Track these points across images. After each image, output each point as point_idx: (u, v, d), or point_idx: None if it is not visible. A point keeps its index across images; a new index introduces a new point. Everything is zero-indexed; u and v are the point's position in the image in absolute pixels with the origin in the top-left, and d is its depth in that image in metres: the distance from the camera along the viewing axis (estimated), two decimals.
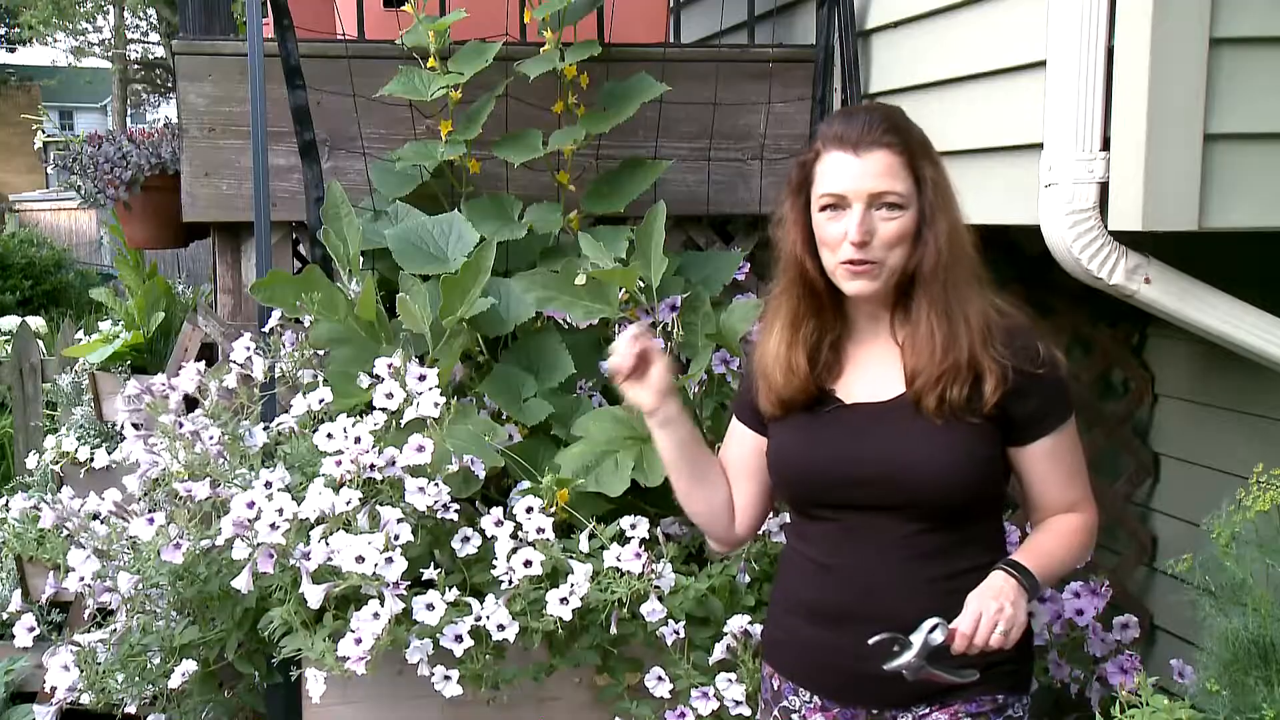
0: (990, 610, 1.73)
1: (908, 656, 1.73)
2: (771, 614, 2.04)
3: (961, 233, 1.83)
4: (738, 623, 2.37)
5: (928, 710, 1.85)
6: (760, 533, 2.49)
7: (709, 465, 2.03)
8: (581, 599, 2.33)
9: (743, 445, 2.04)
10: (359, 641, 2.22)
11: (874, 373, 1.88)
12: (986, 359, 1.80)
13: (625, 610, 2.38)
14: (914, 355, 1.82)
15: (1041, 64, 2.35)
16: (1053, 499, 1.91)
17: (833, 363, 1.91)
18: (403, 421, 2.51)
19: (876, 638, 1.74)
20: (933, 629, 1.73)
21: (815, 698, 1.92)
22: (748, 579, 2.51)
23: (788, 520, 2.25)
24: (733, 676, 2.37)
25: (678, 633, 2.40)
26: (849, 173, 1.79)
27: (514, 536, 2.38)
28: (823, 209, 1.82)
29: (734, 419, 2.07)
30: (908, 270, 1.82)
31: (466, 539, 2.44)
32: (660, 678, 2.42)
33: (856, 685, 1.87)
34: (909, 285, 1.84)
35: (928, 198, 1.81)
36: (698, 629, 2.46)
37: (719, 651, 2.39)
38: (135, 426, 2.75)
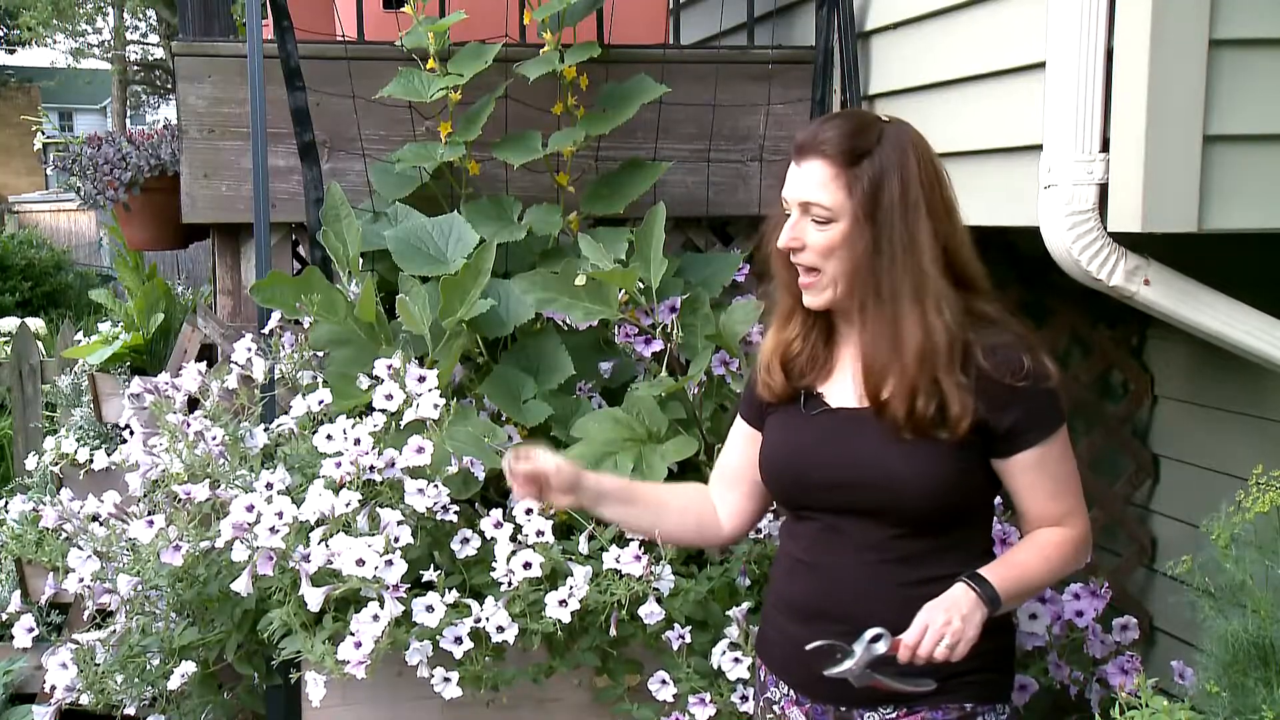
0: (937, 623, 1.73)
1: (847, 665, 1.74)
2: (764, 607, 2.07)
3: (913, 249, 1.78)
4: (739, 611, 2.37)
5: (894, 714, 1.85)
6: (761, 536, 2.50)
7: (659, 497, 2.11)
8: (581, 601, 2.33)
9: (742, 446, 2.06)
10: (359, 645, 2.22)
11: (857, 378, 1.89)
12: (949, 383, 1.77)
13: (624, 612, 2.38)
14: (860, 370, 1.85)
15: (1041, 65, 2.35)
16: (1039, 511, 1.88)
17: (825, 361, 1.92)
18: (402, 423, 2.51)
19: (814, 644, 1.76)
20: (875, 639, 1.74)
21: (791, 691, 1.94)
22: (748, 581, 2.50)
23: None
24: (739, 655, 2.37)
25: (683, 637, 2.40)
26: (790, 179, 1.83)
27: (513, 539, 2.38)
28: (785, 212, 1.85)
29: (737, 419, 2.09)
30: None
31: (466, 540, 2.44)
32: (664, 681, 2.42)
33: (825, 682, 1.87)
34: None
35: (856, 213, 1.78)
36: (697, 632, 2.45)
37: (721, 647, 2.39)
38: (141, 426, 2.75)
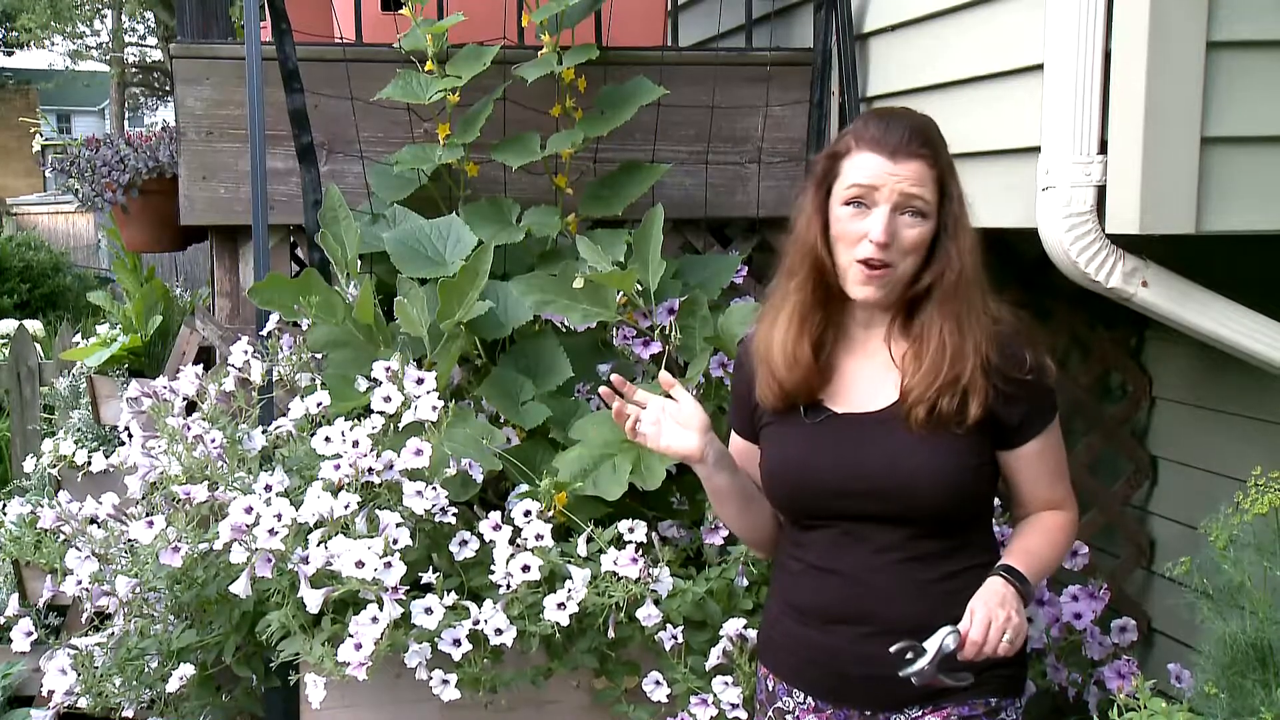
0: (999, 619, 1.76)
1: (922, 663, 1.74)
2: (767, 615, 2.05)
3: (978, 249, 1.86)
4: (734, 626, 2.37)
5: (920, 713, 1.86)
6: None
7: (754, 489, 2.03)
8: (579, 604, 2.33)
9: (749, 458, 2.04)
10: (359, 647, 2.22)
11: (865, 383, 1.89)
12: (980, 376, 1.82)
13: (623, 614, 2.38)
14: (917, 367, 1.83)
15: (1039, 67, 2.35)
16: (1040, 497, 1.95)
17: (825, 369, 1.91)
18: (401, 425, 2.51)
19: (897, 646, 1.75)
20: (947, 636, 1.75)
21: (809, 699, 1.94)
22: (745, 582, 2.50)
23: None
24: (729, 679, 2.37)
25: (676, 637, 2.39)
26: (881, 173, 1.80)
27: (512, 541, 2.38)
28: (847, 203, 1.83)
29: (733, 437, 2.07)
30: (918, 283, 1.84)
31: (464, 543, 2.44)
32: (658, 682, 2.42)
33: (849, 687, 1.89)
34: (916, 298, 1.85)
35: (952, 212, 1.83)
36: (695, 633, 2.45)
37: (715, 656, 2.39)
38: (141, 429, 2.75)
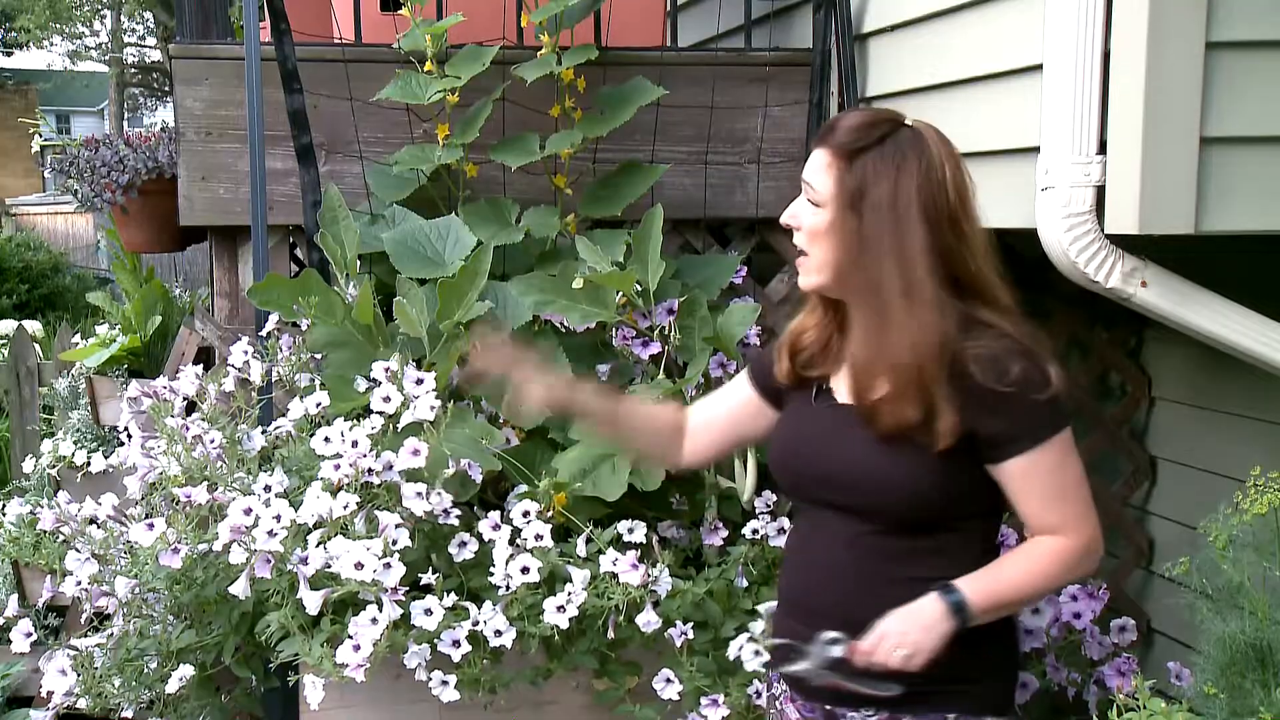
0: (893, 631, 1.74)
1: (802, 664, 1.78)
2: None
3: (901, 252, 1.76)
4: (769, 606, 2.38)
5: (876, 716, 1.83)
6: (758, 537, 2.50)
7: (637, 424, 2.15)
8: (579, 606, 2.33)
9: (733, 400, 2.10)
10: (358, 649, 2.22)
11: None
12: (938, 393, 1.75)
13: (622, 616, 2.38)
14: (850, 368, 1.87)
15: (1038, 67, 2.35)
16: (1031, 519, 1.84)
17: (839, 353, 1.92)
18: (400, 425, 2.51)
19: (774, 642, 1.77)
20: (831, 642, 1.76)
21: (787, 688, 1.95)
22: (745, 582, 2.51)
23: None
24: (759, 648, 2.36)
25: (686, 634, 2.39)
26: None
27: (512, 541, 2.38)
28: None
29: (744, 376, 2.11)
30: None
31: (464, 544, 2.44)
32: (669, 679, 2.41)
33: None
34: None
35: (842, 205, 1.79)
36: (696, 632, 2.45)
37: (735, 648, 2.39)
38: (139, 429, 2.75)
